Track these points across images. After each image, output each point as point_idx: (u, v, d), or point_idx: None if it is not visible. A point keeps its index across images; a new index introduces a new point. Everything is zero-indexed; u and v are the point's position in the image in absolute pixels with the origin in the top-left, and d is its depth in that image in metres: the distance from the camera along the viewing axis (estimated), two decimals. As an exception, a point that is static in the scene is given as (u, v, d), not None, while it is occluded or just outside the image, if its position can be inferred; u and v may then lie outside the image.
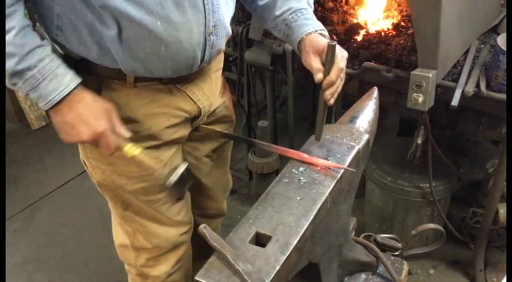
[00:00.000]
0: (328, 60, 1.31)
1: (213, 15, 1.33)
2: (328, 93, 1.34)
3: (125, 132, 1.34)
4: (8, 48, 1.16)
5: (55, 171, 3.47)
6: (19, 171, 3.50)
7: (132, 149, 1.35)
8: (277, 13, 1.50)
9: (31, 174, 3.47)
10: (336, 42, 1.29)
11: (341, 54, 1.36)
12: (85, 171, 1.60)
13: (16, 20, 1.18)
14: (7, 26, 1.16)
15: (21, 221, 3.06)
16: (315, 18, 1.49)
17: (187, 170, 1.46)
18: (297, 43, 1.45)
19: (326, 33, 1.45)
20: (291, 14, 1.48)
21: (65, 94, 1.24)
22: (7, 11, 1.15)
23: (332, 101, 1.36)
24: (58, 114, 1.27)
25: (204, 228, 1.10)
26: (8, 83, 1.23)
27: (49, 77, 1.22)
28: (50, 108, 1.26)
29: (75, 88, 1.26)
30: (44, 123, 3.99)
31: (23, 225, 3.03)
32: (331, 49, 1.29)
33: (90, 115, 1.27)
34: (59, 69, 1.24)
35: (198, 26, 1.31)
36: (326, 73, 1.33)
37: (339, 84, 1.36)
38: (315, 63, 1.35)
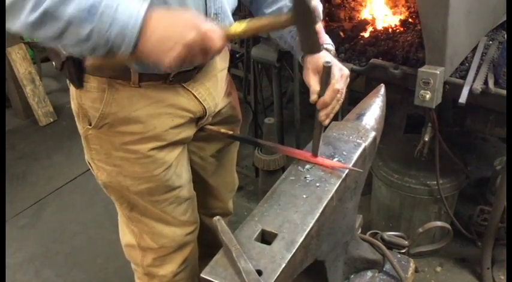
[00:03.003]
0: (324, 82, 1.28)
1: (214, 3, 1.31)
2: (322, 114, 1.30)
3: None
4: None
5: (63, 168, 3.48)
6: (27, 168, 3.52)
7: (238, 26, 1.15)
8: None
9: (39, 171, 3.49)
10: (331, 64, 1.25)
11: (339, 74, 1.32)
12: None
13: None
14: None
15: (29, 217, 3.08)
16: (321, 31, 1.45)
17: None
18: (301, 57, 1.42)
19: (331, 47, 1.42)
20: None
21: (144, 11, 1.05)
22: None
23: (327, 122, 1.32)
24: (146, 39, 1.07)
25: (217, 221, 1.12)
26: (81, 39, 1.05)
27: (121, 2, 1.05)
28: (136, 40, 1.06)
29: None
30: (51, 120, 4.02)
31: (30, 221, 3.05)
32: (326, 70, 1.26)
33: (175, 15, 1.10)
34: None
35: (198, 12, 1.28)
36: (321, 93, 1.29)
37: (335, 105, 1.32)
38: (312, 82, 1.32)
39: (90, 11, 1.03)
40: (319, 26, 1.45)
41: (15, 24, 1.05)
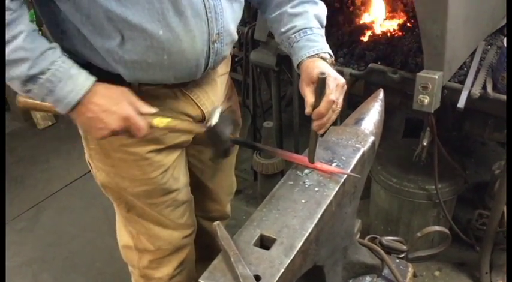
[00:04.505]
0: (318, 93, 1.26)
1: (216, 23, 1.32)
2: (316, 125, 1.29)
3: (150, 109, 1.30)
4: (18, 54, 1.13)
5: (61, 171, 3.48)
6: (25, 171, 3.51)
7: (161, 121, 1.31)
8: (283, 29, 1.47)
9: (37, 174, 3.48)
10: (326, 75, 1.23)
11: (334, 84, 1.30)
12: (90, 171, 1.61)
13: (23, 24, 1.15)
14: (14, 31, 1.12)
15: (27, 220, 3.07)
16: (320, 38, 1.43)
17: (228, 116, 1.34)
18: (296, 66, 1.42)
19: (327, 55, 1.40)
20: (294, 33, 1.44)
21: (81, 94, 1.20)
22: (11, 16, 1.12)
23: (321, 132, 1.31)
24: (79, 114, 1.23)
25: (217, 225, 1.12)
26: (21, 90, 1.19)
27: (64, 79, 1.18)
28: (70, 111, 1.22)
29: (90, 87, 1.22)
30: (50, 123, 4.01)
31: (28, 224, 3.04)
32: (321, 82, 1.24)
33: (110, 103, 1.23)
34: (72, 70, 1.20)
35: (201, 34, 1.30)
36: (316, 104, 1.27)
37: (330, 116, 1.30)
38: (307, 93, 1.30)
39: (32, 79, 1.16)
40: (316, 35, 1.43)
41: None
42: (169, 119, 1.33)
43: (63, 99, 1.19)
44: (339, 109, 1.32)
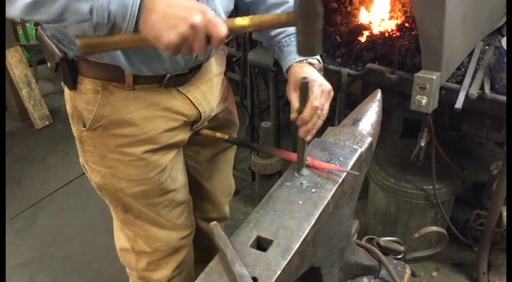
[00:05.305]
0: (301, 98, 1.24)
1: (206, 2, 1.28)
2: (302, 131, 1.27)
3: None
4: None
5: (58, 171, 3.47)
6: (22, 171, 3.51)
7: (241, 21, 1.11)
8: (272, 34, 1.45)
9: (34, 174, 3.48)
10: (308, 80, 1.19)
11: (319, 90, 1.28)
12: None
13: None
14: None
15: (24, 220, 3.06)
16: None
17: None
18: (285, 70, 1.40)
19: (315, 61, 1.38)
20: (284, 37, 1.42)
21: None
22: None
23: (308, 138, 1.29)
24: (151, 10, 1.02)
25: (214, 226, 1.11)
26: (75, 20, 1.03)
27: None
28: (138, 14, 1.04)
29: None
30: (47, 123, 4.00)
31: (26, 224, 3.03)
32: (303, 87, 1.20)
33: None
34: None
35: None
36: (301, 109, 1.25)
37: (316, 122, 1.28)
38: (292, 99, 1.29)
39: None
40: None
41: (15, 7, 1.02)
42: (248, 18, 1.10)
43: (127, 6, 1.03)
44: (325, 115, 1.30)
